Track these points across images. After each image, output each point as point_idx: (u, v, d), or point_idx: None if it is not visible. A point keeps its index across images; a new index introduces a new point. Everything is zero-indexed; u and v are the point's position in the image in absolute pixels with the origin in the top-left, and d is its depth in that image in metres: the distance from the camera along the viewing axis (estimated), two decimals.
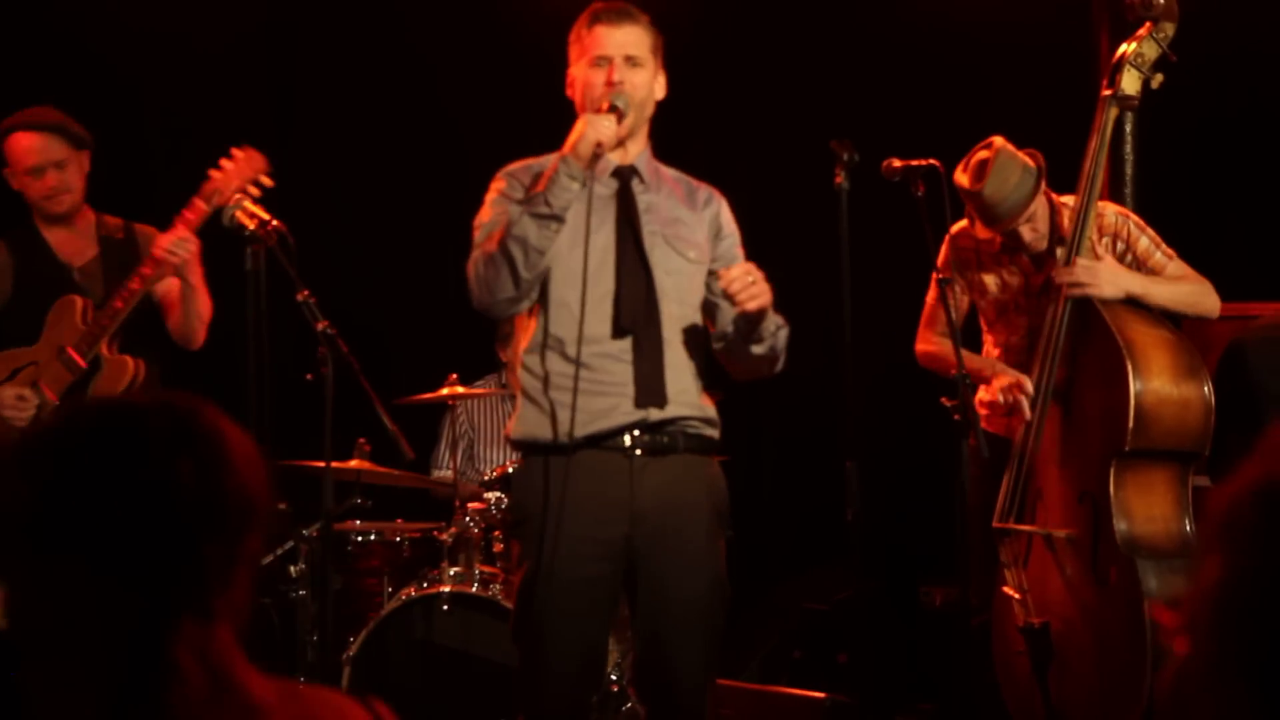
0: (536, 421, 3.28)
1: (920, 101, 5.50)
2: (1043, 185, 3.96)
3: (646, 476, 3.25)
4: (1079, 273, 3.82)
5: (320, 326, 3.61)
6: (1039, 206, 3.98)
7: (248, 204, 3.62)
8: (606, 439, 3.24)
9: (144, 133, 5.68)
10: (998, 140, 3.96)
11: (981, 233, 4.09)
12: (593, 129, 3.18)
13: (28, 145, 4.25)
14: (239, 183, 4.01)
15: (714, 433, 3.42)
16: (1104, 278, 3.83)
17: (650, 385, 3.25)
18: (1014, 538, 3.92)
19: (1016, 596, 3.85)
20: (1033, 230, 4.00)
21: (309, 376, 3.67)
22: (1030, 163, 3.93)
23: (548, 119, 5.63)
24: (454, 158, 5.84)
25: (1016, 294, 4.13)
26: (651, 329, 3.28)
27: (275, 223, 3.61)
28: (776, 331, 3.36)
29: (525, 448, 3.35)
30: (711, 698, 3.38)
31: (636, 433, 3.25)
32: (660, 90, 3.41)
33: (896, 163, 3.78)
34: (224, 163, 4.06)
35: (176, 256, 4.10)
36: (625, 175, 3.38)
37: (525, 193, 3.31)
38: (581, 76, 3.34)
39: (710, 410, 3.41)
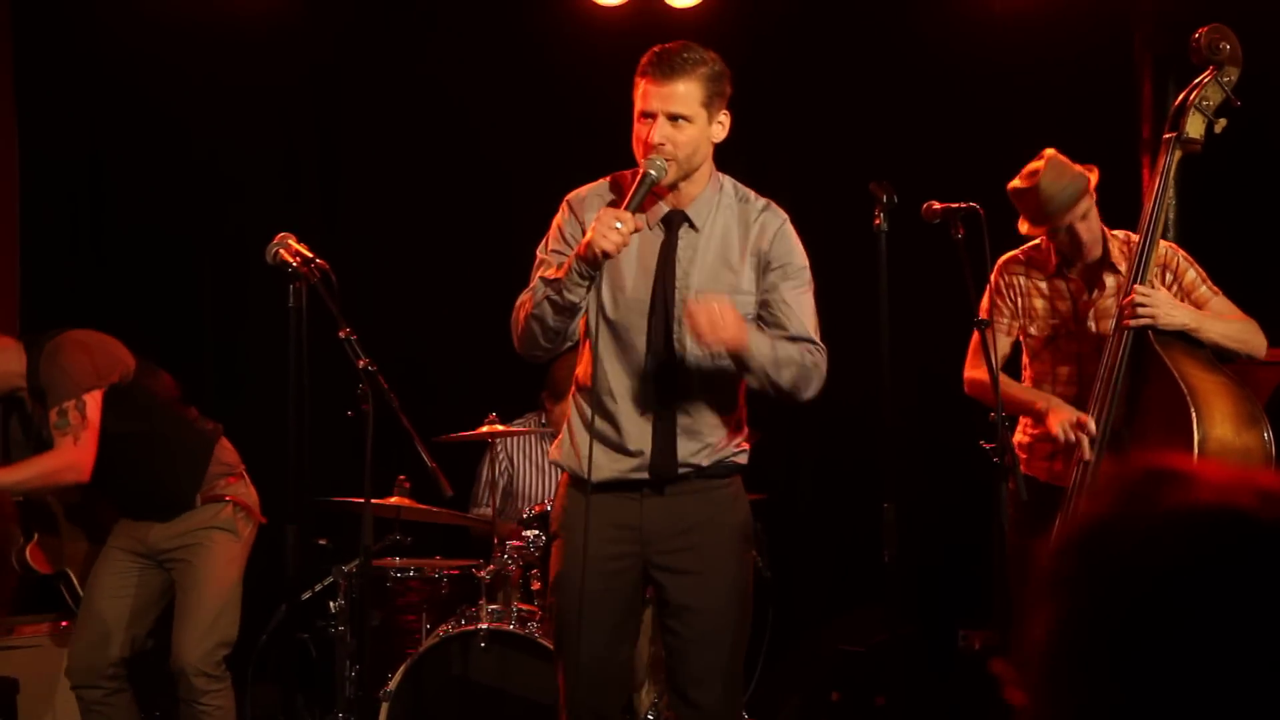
0: (568, 454, 3.47)
1: (960, 144, 5.50)
2: (1093, 194, 3.96)
3: (654, 503, 3.40)
4: (1138, 298, 3.81)
5: (361, 364, 3.65)
6: (1092, 209, 3.97)
7: (291, 241, 3.65)
8: (617, 487, 3.40)
9: (192, 175, 5.74)
10: (1050, 150, 3.97)
11: (1035, 230, 4.04)
12: (600, 240, 3.14)
13: None
14: None
15: (736, 459, 3.45)
16: (1162, 307, 3.82)
17: (661, 452, 3.35)
18: None
19: None
20: (1088, 230, 3.97)
21: (350, 414, 3.70)
22: (1083, 169, 3.95)
23: (589, 151, 5.69)
24: (496, 196, 5.89)
25: (1067, 319, 4.11)
26: (668, 388, 3.35)
27: (318, 260, 3.65)
28: (766, 370, 3.30)
29: (560, 468, 3.54)
30: (736, 707, 3.43)
31: (646, 487, 3.40)
32: (719, 133, 3.38)
33: (936, 205, 3.79)
34: None
35: None
36: (674, 221, 3.40)
37: (580, 229, 3.34)
38: (634, 128, 3.36)
39: (733, 441, 3.44)
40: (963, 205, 3.76)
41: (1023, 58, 5.62)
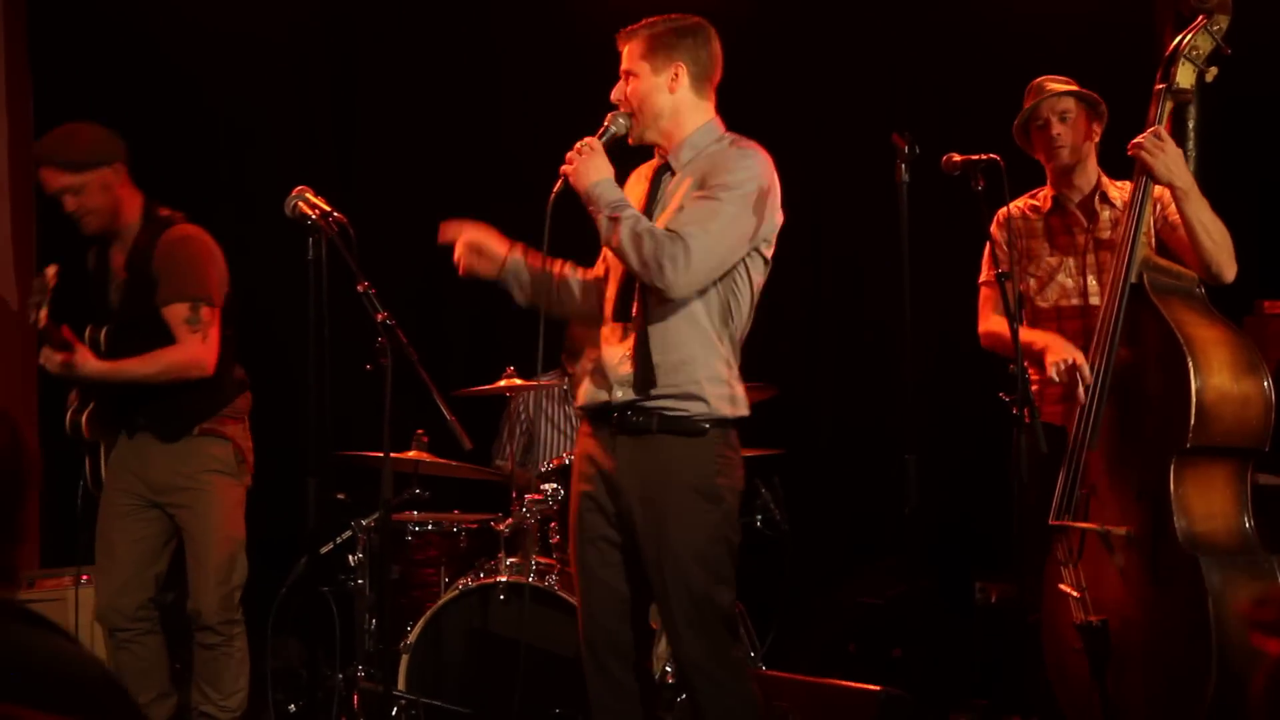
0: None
1: (981, 96, 5.47)
2: (1090, 115, 4.15)
3: (621, 452, 3.46)
4: (1148, 141, 3.81)
5: (380, 318, 3.63)
6: (1078, 123, 4.14)
7: (309, 195, 3.64)
8: (595, 417, 3.53)
9: (208, 129, 5.73)
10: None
11: (1025, 141, 4.20)
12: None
13: (40, 178, 4.28)
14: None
15: (700, 412, 3.42)
16: (1166, 158, 3.81)
17: (630, 371, 3.44)
18: (1069, 535, 3.90)
19: (1074, 594, 3.83)
20: (1070, 133, 4.13)
21: (368, 367, 3.70)
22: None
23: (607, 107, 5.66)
24: (516, 151, 5.87)
25: (1066, 255, 4.19)
26: (638, 318, 3.45)
27: (336, 214, 3.64)
28: (610, 228, 3.38)
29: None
30: (719, 662, 3.43)
31: (615, 414, 3.46)
32: (672, 84, 3.47)
33: (956, 157, 3.78)
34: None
35: (62, 374, 4.20)
36: (660, 170, 3.55)
37: None
38: None
39: (703, 391, 3.41)
40: (983, 157, 3.75)
41: (1044, 8, 5.58)
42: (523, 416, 5.36)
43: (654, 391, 3.41)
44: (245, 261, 4.57)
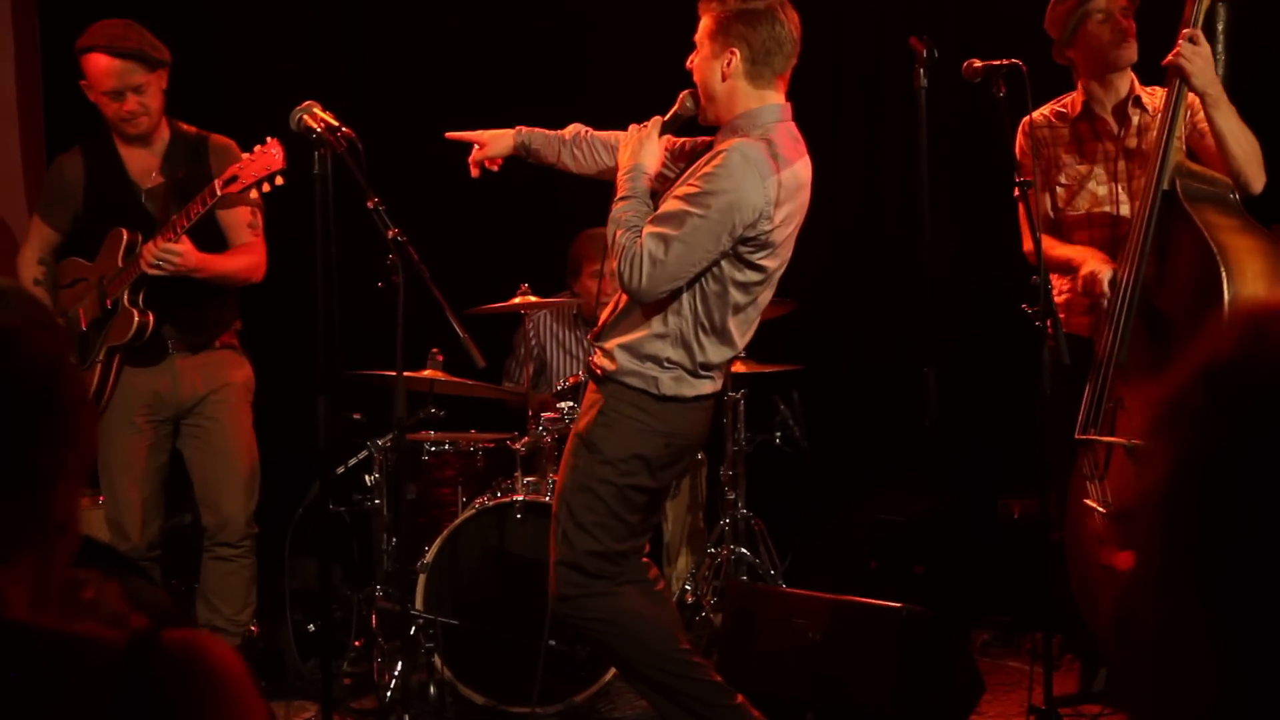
0: None
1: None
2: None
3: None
4: (1186, 47, 3.71)
5: (391, 234, 3.59)
6: (1115, 7, 3.97)
7: (316, 109, 3.57)
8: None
9: (214, 42, 5.65)
10: None
11: (1060, 51, 4.08)
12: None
13: (106, 68, 4.21)
14: (250, 178, 4.00)
15: (608, 369, 3.52)
16: (1201, 63, 3.71)
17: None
18: (1095, 449, 3.85)
19: (1099, 509, 3.78)
20: (1107, 28, 3.96)
21: (380, 285, 3.65)
22: None
23: (626, 17, 5.55)
24: (531, 61, 5.78)
25: (1096, 163, 4.07)
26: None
27: (344, 129, 3.57)
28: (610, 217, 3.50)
29: None
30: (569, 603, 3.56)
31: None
32: (722, 68, 3.41)
33: (977, 63, 3.69)
34: (244, 156, 4.06)
35: (160, 269, 4.11)
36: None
37: None
38: None
39: (618, 356, 3.50)
40: (1005, 62, 3.66)
41: None
42: (532, 339, 5.32)
43: (598, 344, 3.58)
44: None
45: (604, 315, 3.63)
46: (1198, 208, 3.73)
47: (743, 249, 3.38)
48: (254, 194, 4.20)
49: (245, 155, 4.06)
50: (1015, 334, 3.94)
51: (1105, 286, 3.82)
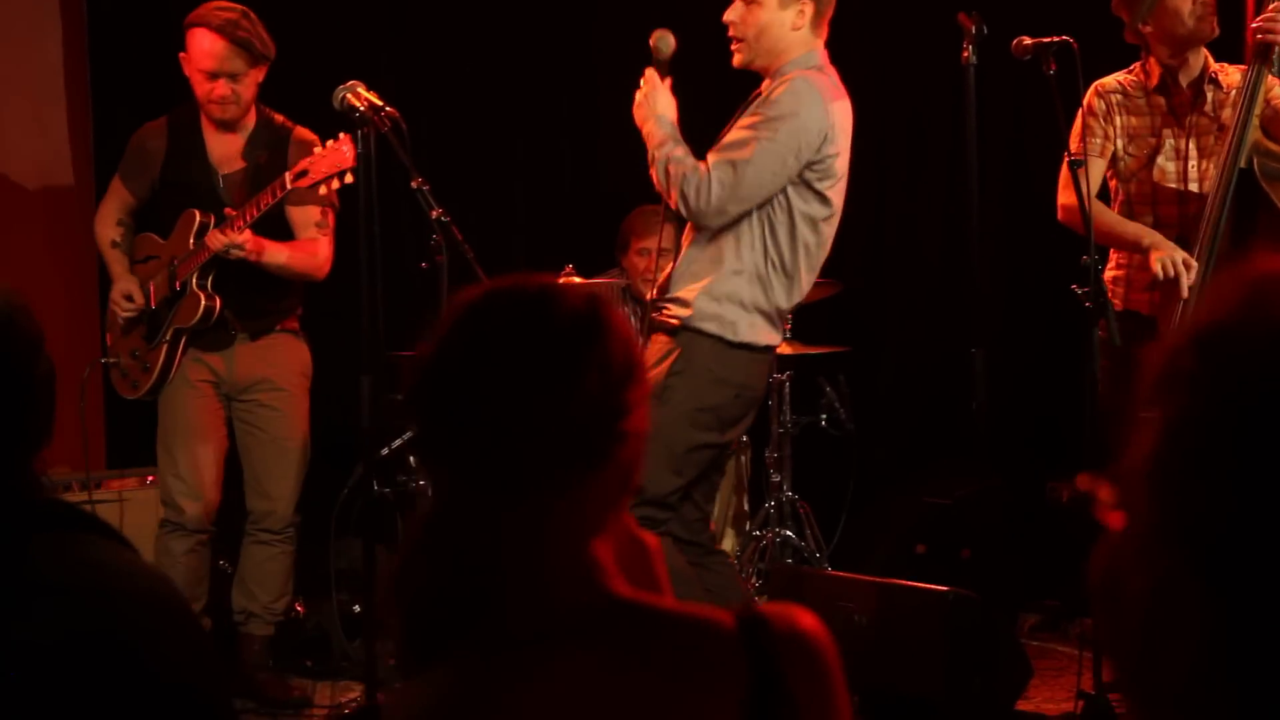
0: None
1: None
2: None
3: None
4: (1272, 24, 3.66)
5: (435, 214, 3.58)
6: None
7: (360, 88, 3.56)
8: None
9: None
10: None
11: (1132, 32, 3.98)
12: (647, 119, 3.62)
13: (209, 49, 4.18)
14: (320, 173, 3.96)
15: (681, 315, 3.57)
16: None
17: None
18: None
19: None
20: (1191, 1, 3.86)
21: (423, 265, 3.65)
22: None
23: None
24: (575, 46, 5.75)
25: (1165, 136, 3.98)
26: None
27: (388, 108, 3.56)
28: (653, 158, 3.54)
29: None
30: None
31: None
32: (795, 19, 3.52)
33: (1027, 40, 3.64)
34: (316, 150, 4.02)
35: (228, 255, 4.11)
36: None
37: None
38: None
39: (692, 298, 3.56)
40: (1055, 40, 3.60)
41: None
42: None
43: (667, 297, 3.59)
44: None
45: (665, 273, 3.67)
46: (1275, 187, 3.66)
47: (809, 174, 3.49)
48: (326, 192, 4.15)
49: (317, 150, 4.02)
50: (1065, 314, 3.88)
51: (1183, 271, 3.74)
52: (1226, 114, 3.83)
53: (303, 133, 4.36)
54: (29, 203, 4.42)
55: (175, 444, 4.34)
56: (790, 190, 3.50)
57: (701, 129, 3.68)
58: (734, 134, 3.51)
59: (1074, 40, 3.60)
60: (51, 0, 5.46)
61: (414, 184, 3.58)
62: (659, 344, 3.60)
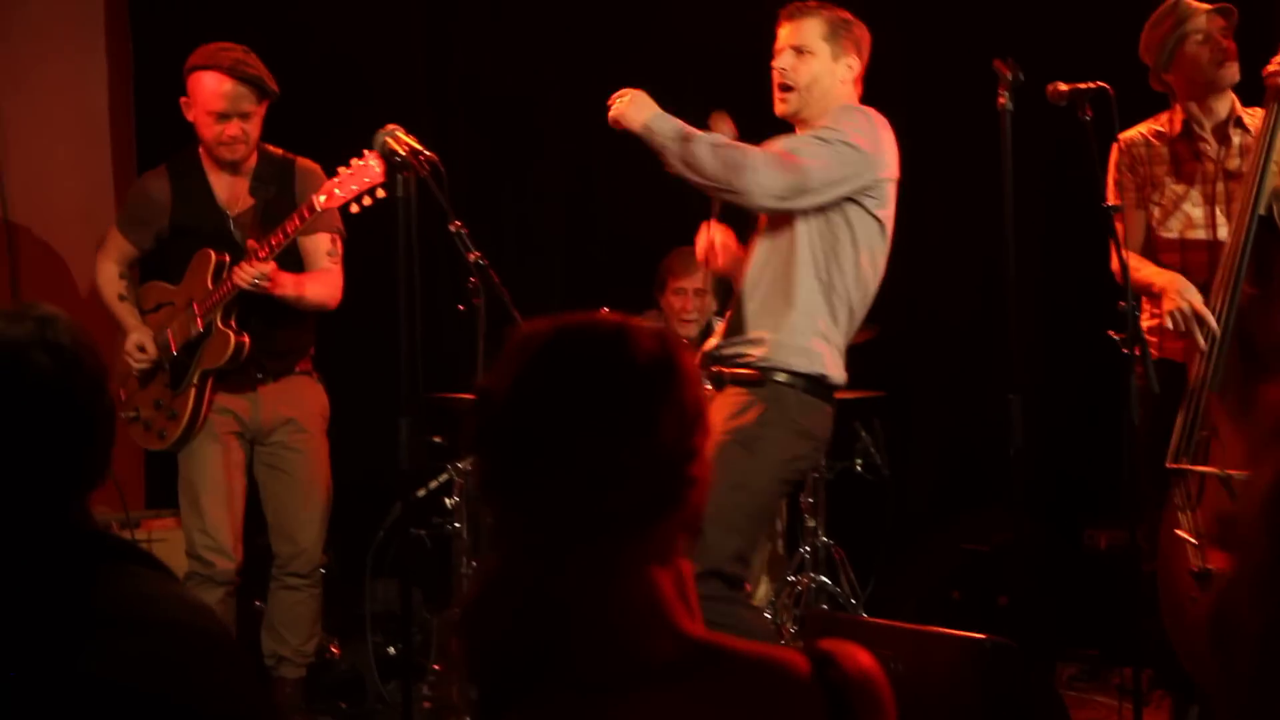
0: None
1: (1089, 20, 5.27)
2: (1216, 27, 3.94)
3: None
4: None
5: (472, 257, 3.60)
6: (1214, 28, 3.92)
7: (399, 132, 3.59)
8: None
9: (305, 70, 5.72)
10: None
11: (1156, 78, 4.03)
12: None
13: (218, 89, 4.18)
14: (350, 193, 3.95)
15: (759, 356, 3.56)
16: None
17: (733, 319, 3.64)
18: (1189, 478, 3.77)
19: (1191, 540, 3.70)
20: (1206, 49, 3.91)
21: (461, 308, 3.67)
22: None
23: (707, 48, 5.54)
24: (611, 88, 5.79)
25: (1193, 183, 3.99)
26: (737, 265, 3.67)
27: (427, 152, 3.59)
28: (677, 152, 3.47)
29: None
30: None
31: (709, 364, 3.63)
32: (845, 73, 3.64)
33: (1063, 85, 3.63)
34: (340, 170, 3.99)
35: (255, 288, 4.10)
36: None
37: None
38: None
39: (762, 335, 3.56)
40: (1091, 85, 3.60)
41: None
42: None
43: (740, 337, 3.59)
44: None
45: (725, 321, 3.67)
46: None
47: (868, 199, 3.54)
48: (337, 221, 4.20)
49: (342, 169, 3.99)
50: (1103, 360, 3.87)
51: (1193, 323, 3.74)
52: (1250, 160, 3.82)
53: (305, 162, 4.38)
54: (74, 245, 4.47)
55: (201, 499, 4.28)
56: (851, 213, 3.53)
57: None
58: (787, 141, 3.55)
59: (1109, 85, 3.60)
60: (98, 48, 5.53)
61: (452, 227, 3.60)
62: (735, 396, 3.55)
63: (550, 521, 1.32)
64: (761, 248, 3.64)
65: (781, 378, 3.54)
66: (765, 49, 3.74)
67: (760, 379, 3.53)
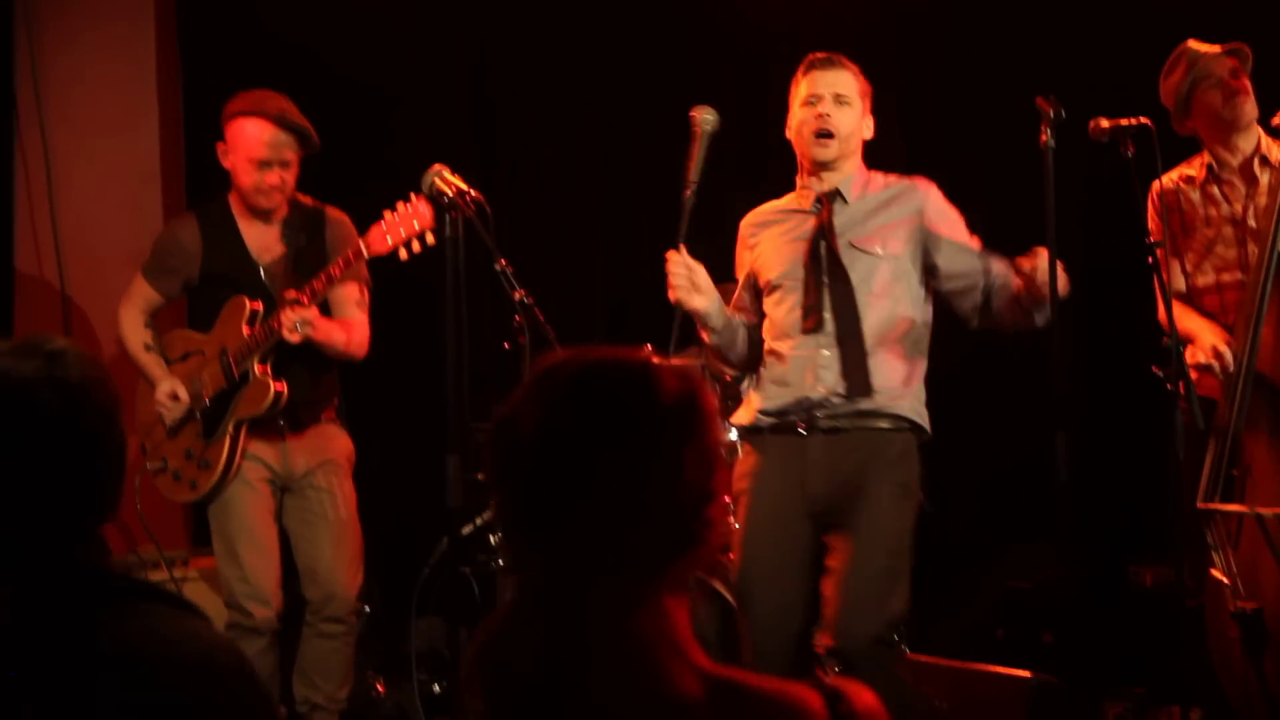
0: (743, 409, 3.77)
1: (1131, 57, 5.28)
2: (1231, 72, 3.99)
3: (816, 454, 3.62)
4: None
5: (517, 296, 3.64)
6: (1223, 70, 3.98)
7: (446, 173, 3.63)
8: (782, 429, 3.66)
9: (349, 112, 5.79)
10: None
11: (1179, 121, 4.09)
12: (686, 302, 3.63)
13: (262, 137, 4.18)
14: (400, 237, 3.95)
15: (902, 412, 3.66)
16: None
17: (855, 373, 3.60)
18: (1226, 517, 3.75)
19: (1226, 581, 3.68)
20: (1219, 93, 3.96)
21: (506, 346, 3.69)
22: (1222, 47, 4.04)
23: (747, 87, 5.59)
24: (652, 129, 5.84)
25: (1223, 225, 4.02)
26: (852, 325, 3.62)
27: (473, 192, 3.62)
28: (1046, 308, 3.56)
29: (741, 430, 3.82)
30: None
31: (815, 414, 3.62)
32: (868, 131, 3.79)
33: (1105, 122, 3.64)
34: (387, 215, 3.99)
35: (297, 335, 4.07)
36: (829, 199, 3.74)
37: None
38: (796, 116, 3.77)
39: (902, 389, 3.66)
40: (1133, 122, 3.61)
41: None
42: None
43: (879, 395, 3.64)
44: None
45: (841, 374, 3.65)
46: None
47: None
48: (364, 271, 4.21)
49: (388, 214, 3.97)
50: (1147, 397, 3.87)
51: (1228, 357, 3.77)
52: (1268, 198, 3.83)
53: (335, 212, 4.38)
54: (123, 285, 4.49)
55: (239, 547, 4.25)
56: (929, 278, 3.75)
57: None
58: (958, 230, 3.74)
59: (1151, 122, 3.61)
60: (149, 91, 5.61)
61: (498, 266, 3.63)
62: (886, 445, 3.64)
63: (572, 560, 1.32)
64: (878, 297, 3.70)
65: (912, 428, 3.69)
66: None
67: (903, 426, 3.66)
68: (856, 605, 3.46)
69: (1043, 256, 3.43)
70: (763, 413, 3.67)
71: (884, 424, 3.63)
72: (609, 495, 1.32)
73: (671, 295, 3.59)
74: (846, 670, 3.44)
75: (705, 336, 3.75)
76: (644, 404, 1.35)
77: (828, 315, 3.62)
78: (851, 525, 3.53)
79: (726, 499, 1.32)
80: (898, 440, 3.64)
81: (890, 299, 3.67)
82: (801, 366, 3.63)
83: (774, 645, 3.56)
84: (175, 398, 4.30)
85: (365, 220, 4.50)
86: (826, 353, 3.61)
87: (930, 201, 3.76)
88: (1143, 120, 3.60)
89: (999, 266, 3.65)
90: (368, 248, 4.00)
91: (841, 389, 3.59)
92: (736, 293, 3.83)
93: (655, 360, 1.41)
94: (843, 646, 3.44)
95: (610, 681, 1.29)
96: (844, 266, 3.64)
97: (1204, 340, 3.85)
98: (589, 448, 1.33)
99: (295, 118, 4.23)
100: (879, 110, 3.84)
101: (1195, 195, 4.08)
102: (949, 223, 3.75)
